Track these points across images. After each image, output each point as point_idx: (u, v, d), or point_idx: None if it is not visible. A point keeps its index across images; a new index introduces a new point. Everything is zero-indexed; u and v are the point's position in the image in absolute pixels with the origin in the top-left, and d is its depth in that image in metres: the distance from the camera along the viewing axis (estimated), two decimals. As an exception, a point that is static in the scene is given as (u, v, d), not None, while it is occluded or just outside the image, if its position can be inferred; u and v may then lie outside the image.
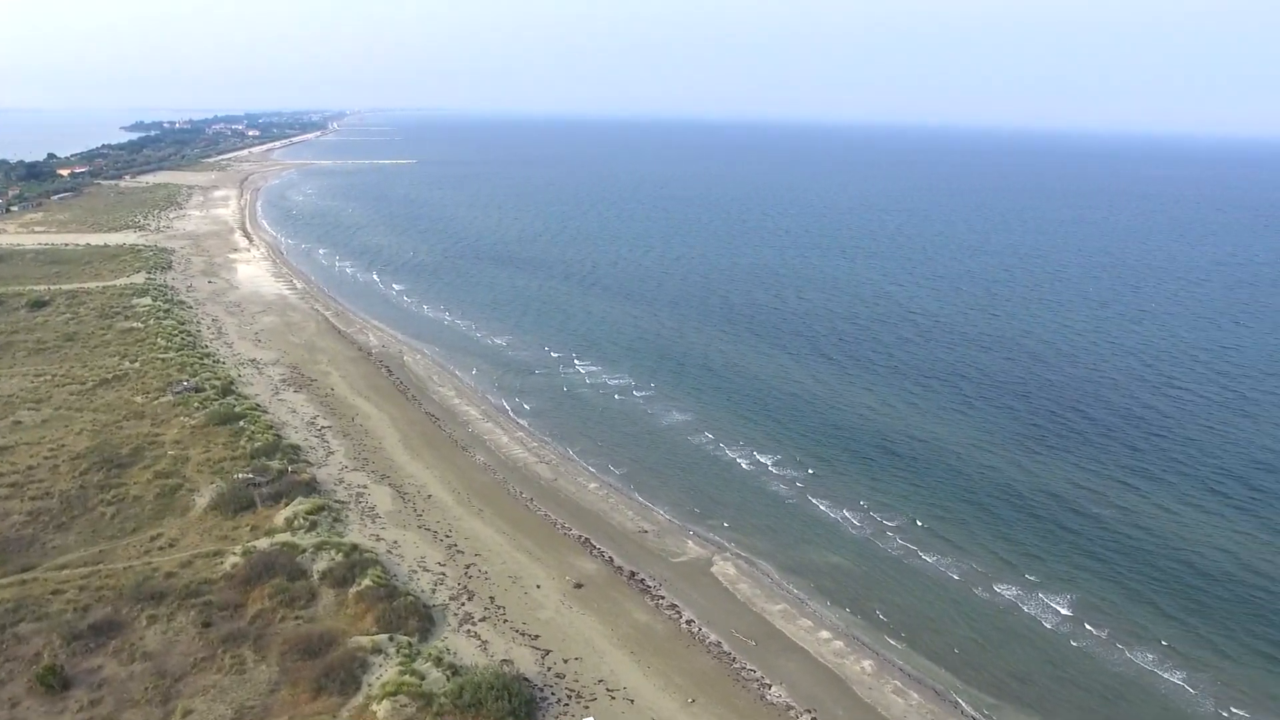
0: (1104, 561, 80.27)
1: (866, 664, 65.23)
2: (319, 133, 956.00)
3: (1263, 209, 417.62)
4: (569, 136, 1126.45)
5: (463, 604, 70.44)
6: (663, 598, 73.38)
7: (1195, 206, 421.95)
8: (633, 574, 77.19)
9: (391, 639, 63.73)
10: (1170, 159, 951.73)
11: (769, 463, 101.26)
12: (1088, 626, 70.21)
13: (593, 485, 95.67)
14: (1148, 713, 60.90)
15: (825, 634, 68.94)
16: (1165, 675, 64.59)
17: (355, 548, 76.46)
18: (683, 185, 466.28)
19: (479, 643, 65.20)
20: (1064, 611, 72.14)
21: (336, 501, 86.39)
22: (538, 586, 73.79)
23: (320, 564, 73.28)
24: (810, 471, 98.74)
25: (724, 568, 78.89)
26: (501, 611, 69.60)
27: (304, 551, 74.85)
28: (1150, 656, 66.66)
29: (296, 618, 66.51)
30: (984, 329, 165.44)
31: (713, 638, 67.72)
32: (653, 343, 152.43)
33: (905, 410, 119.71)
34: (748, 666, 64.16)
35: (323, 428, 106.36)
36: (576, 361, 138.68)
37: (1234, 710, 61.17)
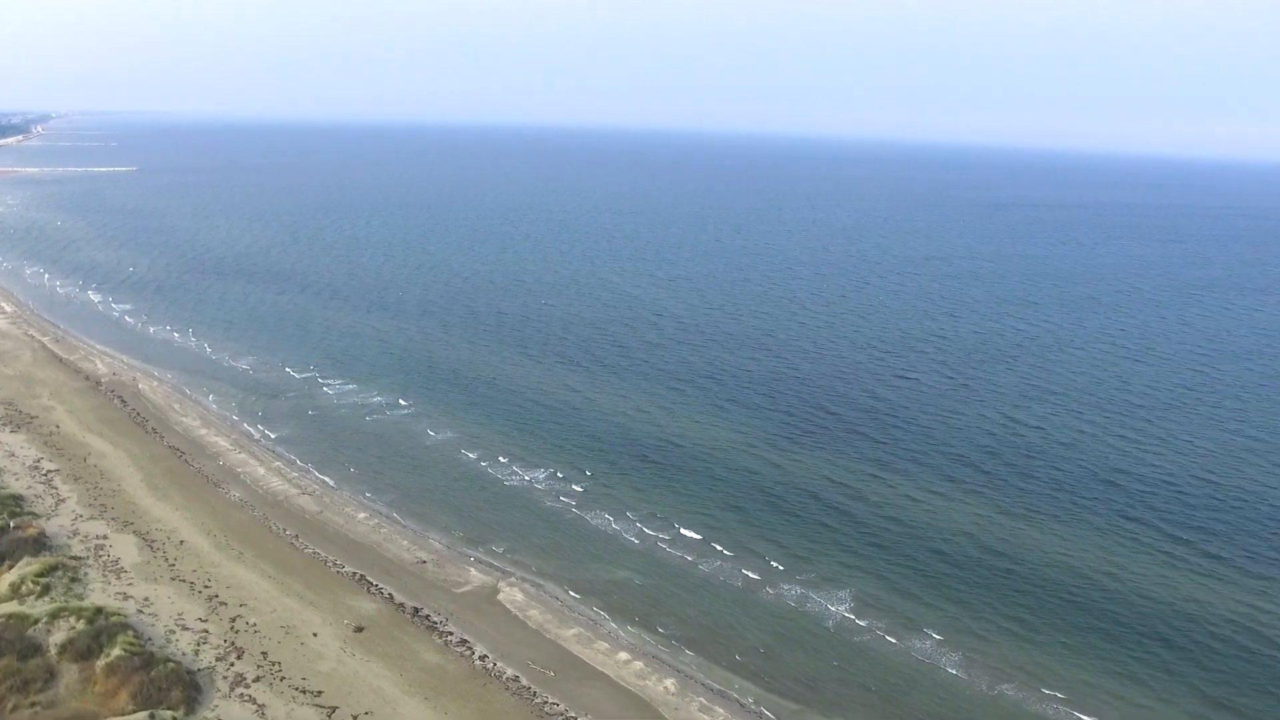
0: (866, 558, 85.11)
1: (669, 683, 65.53)
2: (20, 137, 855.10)
3: (963, 208, 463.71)
4: (312, 142, 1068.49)
5: (232, 664, 64.60)
6: (451, 634, 70.68)
7: (903, 206, 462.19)
8: (416, 610, 73.95)
9: (153, 716, 57.15)
10: (892, 161, 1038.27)
11: (536, 479, 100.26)
12: (862, 624, 73.86)
13: (362, 515, 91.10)
14: (932, 702, 64.83)
15: (624, 655, 68.74)
16: (941, 664, 68.84)
17: (99, 611, 68.09)
18: (422, 191, 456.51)
19: (255, 707, 59.97)
20: (840, 611, 75.53)
21: (72, 558, 77.01)
22: (314, 634, 69.04)
23: (58, 635, 64.84)
24: (577, 486, 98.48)
25: (511, 594, 77.18)
26: (277, 668, 64.50)
27: (36, 622, 65.90)
28: (924, 647, 71.05)
29: (33, 704, 58.21)
30: (727, 329, 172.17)
31: (510, 672, 65.85)
32: (400, 357, 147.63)
33: (660, 416, 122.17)
34: (550, 700, 62.78)
35: (49, 472, 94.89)
36: (324, 381, 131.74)
37: (1001, 689, 66.28)
